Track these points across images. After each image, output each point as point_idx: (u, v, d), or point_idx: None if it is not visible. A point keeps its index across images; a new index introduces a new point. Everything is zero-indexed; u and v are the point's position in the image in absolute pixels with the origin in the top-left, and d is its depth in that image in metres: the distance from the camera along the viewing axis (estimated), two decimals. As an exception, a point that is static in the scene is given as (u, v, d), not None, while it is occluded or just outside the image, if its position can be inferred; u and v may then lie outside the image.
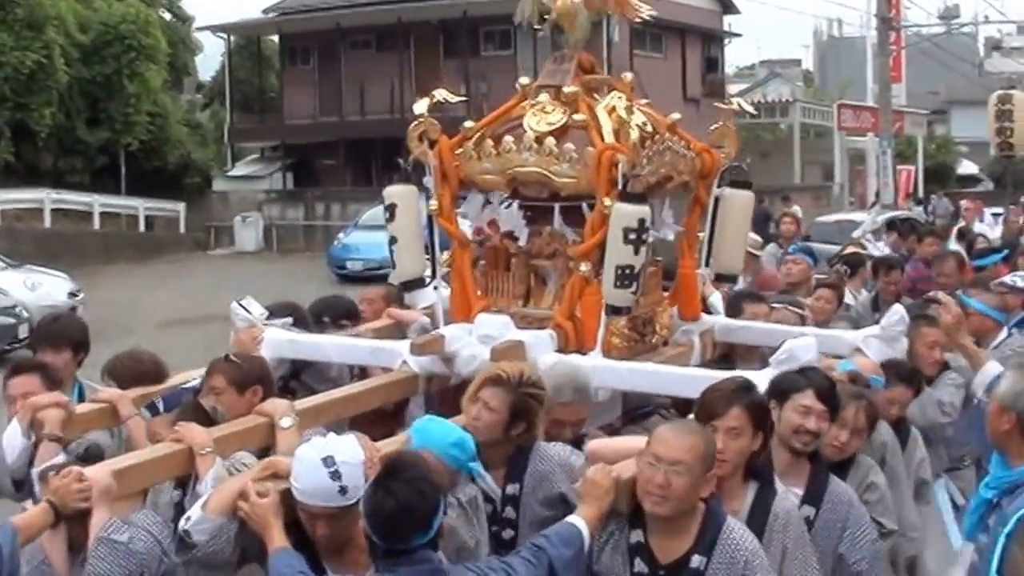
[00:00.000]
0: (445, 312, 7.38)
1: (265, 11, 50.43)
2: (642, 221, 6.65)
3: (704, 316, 7.93)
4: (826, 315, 9.69)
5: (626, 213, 6.63)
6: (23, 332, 20.34)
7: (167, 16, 49.69)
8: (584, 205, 7.00)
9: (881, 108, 38.89)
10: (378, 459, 5.10)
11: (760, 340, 7.85)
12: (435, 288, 7.51)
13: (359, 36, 46.60)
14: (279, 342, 7.24)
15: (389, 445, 5.46)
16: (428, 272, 7.55)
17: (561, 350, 6.84)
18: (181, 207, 43.26)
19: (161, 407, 6.31)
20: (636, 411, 7.08)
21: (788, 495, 5.51)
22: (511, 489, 5.74)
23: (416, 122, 7.25)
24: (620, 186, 6.69)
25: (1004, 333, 9.46)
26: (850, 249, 13.74)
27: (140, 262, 36.81)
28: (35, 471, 5.77)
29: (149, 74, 42.95)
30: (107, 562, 4.89)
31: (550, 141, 6.92)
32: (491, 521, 5.67)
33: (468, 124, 7.29)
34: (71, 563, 5.11)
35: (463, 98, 7.64)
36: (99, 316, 23.67)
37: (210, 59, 54.54)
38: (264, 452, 5.77)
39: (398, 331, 7.77)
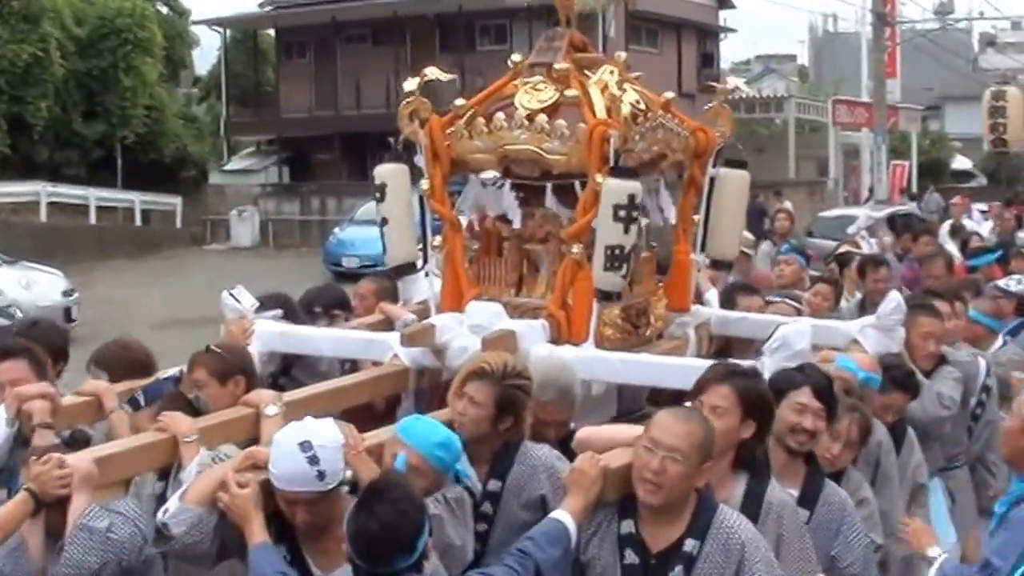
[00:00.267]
0: (437, 305, 7.34)
1: (261, 5, 50.24)
2: (632, 197, 6.59)
3: (700, 308, 7.89)
4: (823, 311, 9.53)
5: (616, 188, 6.58)
6: (18, 333, 20.10)
7: (163, 10, 49.47)
8: (577, 184, 6.93)
9: (876, 104, 38.79)
10: (363, 448, 5.12)
11: (758, 332, 7.70)
12: (426, 275, 7.47)
13: (355, 30, 46.47)
14: (269, 334, 7.18)
15: (375, 438, 5.40)
16: (420, 259, 7.50)
17: (554, 340, 6.80)
18: (178, 201, 43.02)
19: (142, 400, 6.24)
20: (630, 414, 6.98)
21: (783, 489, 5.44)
22: (493, 485, 5.62)
23: (406, 100, 7.20)
24: (611, 162, 6.63)
25: (999, 342, 9.41)
26: (843, 248, 13.58)
27: (136, 258, 36.55)
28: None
29: (145, 68, 42.65)
30: (84, 549, 4.83)
31: (541, 118, 6.86)
32: None
33: (459, 102, 7.21)
34: (48, 549, 5.00)
35: (453, 76, 7.64)
36: (94, 316, 23.42)
37: (207, 53, 54.66)
38: (250, 444, 5.64)
39: (390, 327, 7.67)
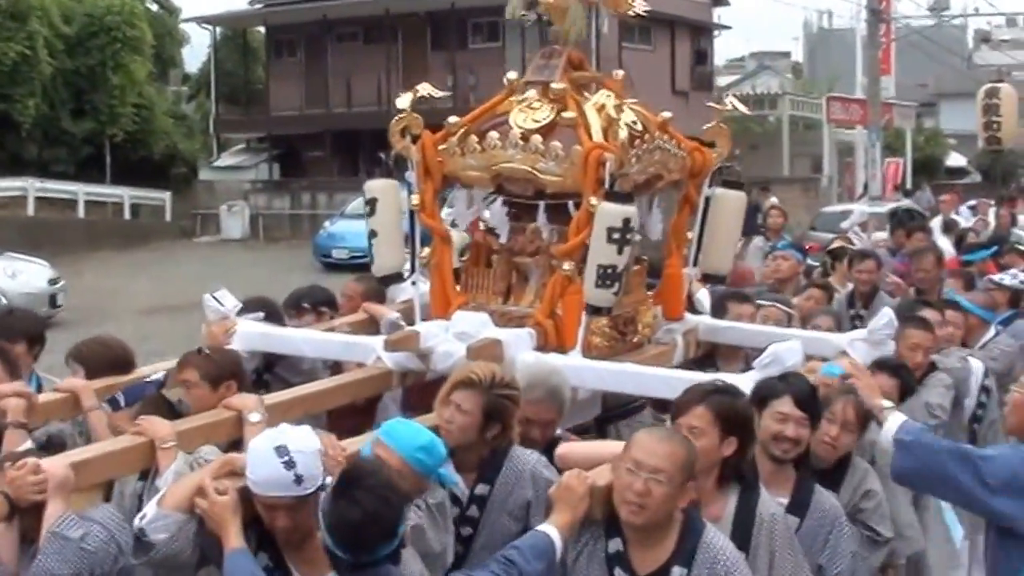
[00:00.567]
0: (423, 308, 7.29)
1: (251, 2, 50.11)
2: (627, 221, 6.56)
3: (688, 315, 7.83)
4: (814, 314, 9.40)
5: (611, 212, 6.55)
6: (2, 320, 20.22)
7: (153, 7, 49.40)
8: (570, 204, 6.91)
9: (870, 100, 38.77)
10: (343, 456, 5.07)
11: (745, 341, 7.76)
12: (412, 283, 7.42)
13: (346, 28, 46.43)
14: (251, 335, 7.18)
15: (355, 444, 5.36)
16: (408, 267, 7.45)
17: (540, 349, 6.75)
18: (167, 196, 43.10)
19: (122, 401, 6.21)
20: (624, 407, 7.06)
21: (773, 500, 5.40)
22: (480, 489, 5.62)
23: (398, 117, 7.16)
24: (607, 185, 6.61)
25: (991, 332, 9.45)
26: (837, 243, 13.57)
27: (124, 250, 36.63)
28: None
29: (134, 66, 42.69)
30: (56, 559, 4.73)
31: (536, 138, 6.83)
32: (454, 519, 5.56)
33: (452, 119, 7.18)
34: (22, 554, 4.92)
35: (447, 92, 7.46)
36: (81, 303, 23.83)
37: (197, 50, 54.45)
38: (231, 447, 5.64)
39: (374, 326, 7.71)
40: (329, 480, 4.74)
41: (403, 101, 7.17)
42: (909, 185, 43.54)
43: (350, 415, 6.78)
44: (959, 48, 68.45)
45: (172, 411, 6.04)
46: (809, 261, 13.68)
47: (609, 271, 6.61)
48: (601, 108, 7.02)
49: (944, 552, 7.33)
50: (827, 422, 5.95)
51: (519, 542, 4.86)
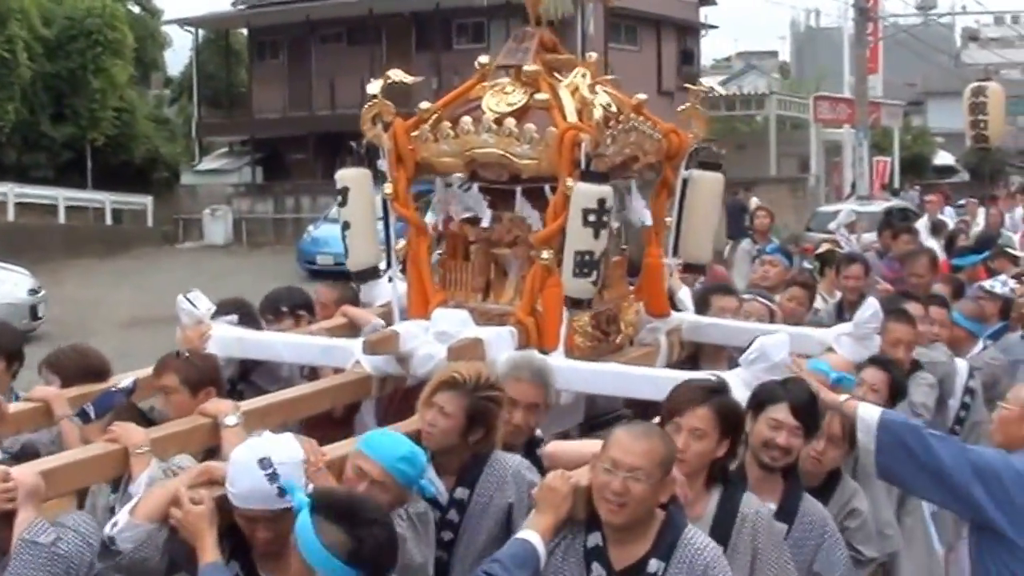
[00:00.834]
0: (402, 310, 7.22)
1: (234, 4, 50.12)
2: (602, 201, 6.49)
3: (672, 313, 7.76)
4: (797, 316, 9.33)
5: (585, 193, 6.48)
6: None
7: (135, 10, 49.36)
8: (547, 188, 6.80)
9: (857, 100, 39.24)
10: (323, 464, 5.03)
11: (730, 339, 7.66)
12: (390, 280, 7.34)
13: (329, 29, 46.32)
14: (227, 340, 7.06)
15: (336, 450, 5.27)
16: (384, 262, 7.37)
17: (523, 348, 6.62)
18: (148, 201, 42.81)
19: (92, 413, 6.00)
20: (599, 418, 6.92)
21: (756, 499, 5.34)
22: (460, 493, 5.51)
23: (369, 104, 7.08)
24: (583, 167, 6.53)
25: (979, 346, 9.30)
26: (825, 246, 13.34)
27: (106, 257, 36.35)
28: None
29: (115, 69, 42.39)
30: (29, 564, 4.64)
31: (510, 122, 6.74)
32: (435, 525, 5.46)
33: (424, 105, 7.07)
34: None
35: (418, 78, 7.43)
36: (61, 315, 23.65)
37: (179, 53, 54.47)
38: (207, 456, 5.54)
39: (352, 331, 7.52)
40: (310, 489, 4.62)
41: (374, 87, 7.11)
42: (897, 184, 43.54)
43: (326, 425, 6.62)
44: (947, 46, 68.93)
45: (144, 419, 5.95)
46: (805, 264, 13.57)
47: (587, 258, 6.54)
48: (575, 90, 6.94)
49: (924, 562, 7.22)
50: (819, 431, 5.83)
51: (500, 553, 4.75)
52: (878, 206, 29.23)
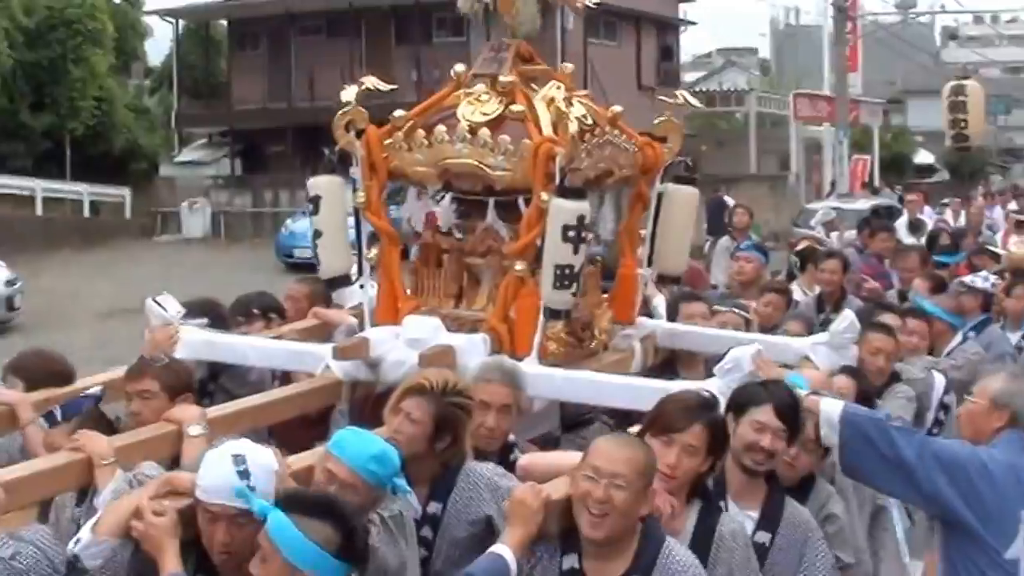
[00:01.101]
0: (372, 315, 7.12)
1: (215, -5, 50.02)
2: (581, 218, 6.43)
3: (645, 320, 7.71)
4: (773, 321, 9.28)
5: (565, 209, 6.41)
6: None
7: (116, 0, 48.99)
8: (520, 200, 6.73)
9: (837, 97, 39.20)
10: (288, 475, 4.83)
11: (705, 346, 7.61)
12: (361, 287, 7.21)
13: (309, 22, 46.23)
14: (195, 343, 6.95)
15: (302, 462, 5.13)
16: (355, 269, 7.25)
17: (495, 355, 6.52)
18: (127, 192, 42.74)
19: (59, 415, 5.94)
20: (575, 419, 6.86)
21: (737, 516, 5.30)
22: (433, 508, 5.42)
23: (343, 110, 6.98)
24: (557, 180, 6.48)
25: (958, 338, 9.30)
26: (804, 243, 13.36)
27: (83, 249, 36.23)
28: None
29: (95, 59, 42.30)
30: None
31: (484, 132, 6.68)
32: None
33: (398, 113, 6.98)
34: None
35: (394, 86, 7.37)
36: (38, 306, 23.57)
37: (160, 43, 54.18)
38: (176, 464, 5.40)
39: (324, 332, 7.52)
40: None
41: (347, 94, 6.99)
42: (877, 183, 43.61)
43: (300, 429, 6.51)
44: (927, 45, 69.06)
45: (111, 427, 5.83)
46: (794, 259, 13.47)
47: (567, 271, 6.47)
48: (551, 101, 6.86)
49: (894, 569, 7.15)
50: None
51: (472, 568, 4.66)
52: (863, 204, 29.32)
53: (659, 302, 8.06)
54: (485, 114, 6.81)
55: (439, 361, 6.21)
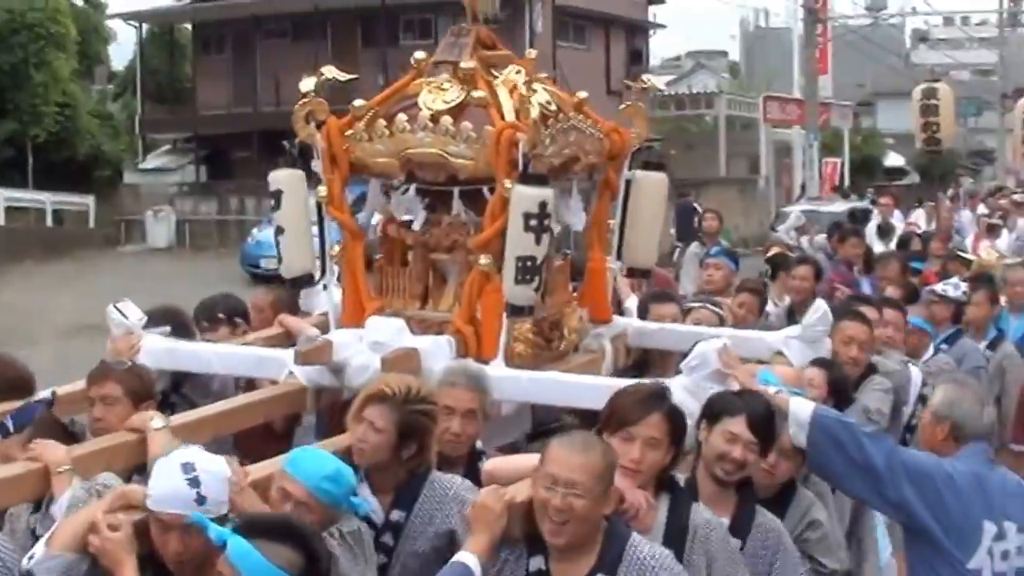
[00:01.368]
0: (338, 319, 7.08)
1: (179, -1, 50.01)
2: (543, 205, 6.37)
3: (617, 319, 7.69)
4: (747, 322, 9.18)
5: (526, 196, 6.35)
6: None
7: (78, 3, 48.70)
8: (485, 189, 6.70)
9: (807, 100, 39.39)
10: (247, 484, 4.87)
11: (677, 344, 7.41)
12: (324, 287, 7.19)
13: (275, 25, 46.15)
14: (157, 351, 6.91)
15: (261, 471, 5.09)
16: (319, 270, 7.18)
17: (461, 358, 6.52)
18: (91, 201, 42.36)
19: (11, 425, 5.77)
20: (542, 427, 6.82)
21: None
22: (396, 516, 5.36)
23: (302, 102, 6.89)
24: (521, 167, 6.41)
25: (930, 351, 9.25)
26: (774, 249, 13.43)
27: (46, 261, 35.77)
28: None
29: (58, 63, 42.11)
30: None
31: (446, 120, 6.61)
32: None
33: (358, 103, 6.88)
34: None
35: (353, 76, 7.30)
36: (1, 323, 22.93)
37: (124, 48, 54.51)
38: (138, 472, 5.40)
39: (290, 340, 7.31)
40: (229, 514, 4.55)
41: (306, 84, 6.90)
42: (847, 185, 43.74)
43: (263, 440, 6.53)
44: (897, 47, 69.47)
45: (66, 433, 5.79)
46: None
47: (528, 263, 6.39)
48: (513, 87, 6.83)
49: (873, 567, 7.17)
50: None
51: None
52: (840, 207, 29.51)
53: (632, 303, 8.13)
54: (447, 102, 6.73)
55: (402, 364, 6.13)
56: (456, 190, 6.78)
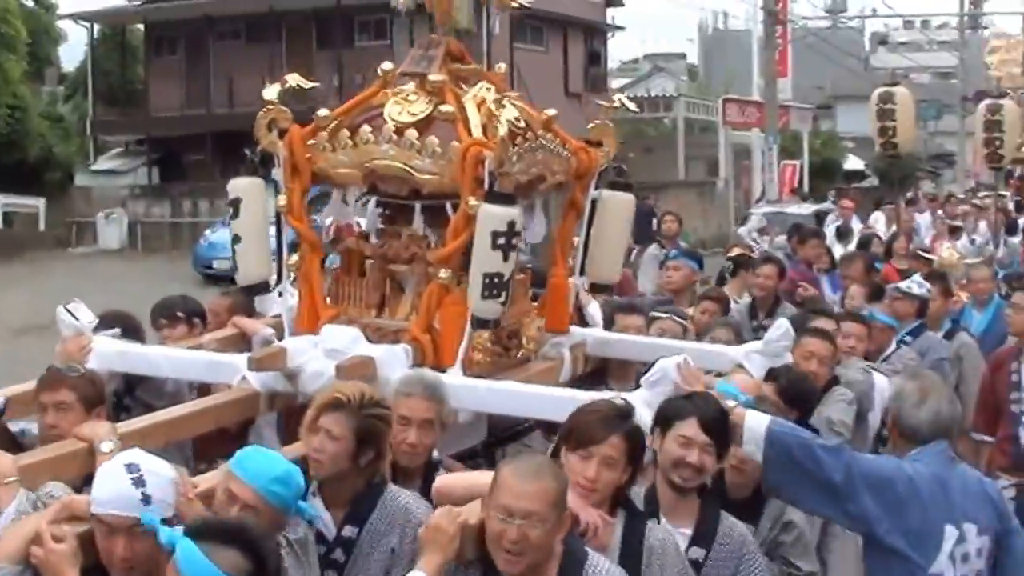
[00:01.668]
0: (291, 324, 7.04)
1: (130, -1, 49.79)
2: (511, 224, 6.37)
3: (576, 329, 7.59)
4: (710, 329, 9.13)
5: (494, 215, 6.33)
6: None
7: (28, 3, 48.59)
8: (448, 205, 6.70)
9: (766, 103, 39.49)
10: (194, 494, 4.80)
11: (637, 355, 7.49)
12: (280, 295, 7.14)
13: (228, 26, 45.83)
14: (108, 353, 6.87)
15: (208, 482, 5.04)
16: (275, 276, 7.19)
17: (417, 366, 6.43)
18: (41, 203, 42.19)
19: None
20: (513, 428, 6.91)
21: (663, 525, 5.21)
22: (348, 531, 5.29)
23: (265, 109, 6.88)
24: (487, 186, 6.38)
25: (893, 345, 9.48)
26: (736, 250, 13.48)
27: (-4, 262, 35.63)
28: None
29: (8, 65, 41.72)
30: None
31: (412, 133, 6.58)
32: (319, 562, 5.23)
33: (322, 112, 6.86)
34: None
35: (316, 84, 7.28)
36: None
37: (74, 49, 53.94)
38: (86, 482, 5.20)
39: (245, 342, 7.42)
40: (174, 517, 4.47)
41: (270, 92, 6.88)
42: (807, 188, 43.81)
43: (221, 442, 6.50)
44: (856, 50, 69.85)
45: (13, 441, 5.84)
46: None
47: (495, 280, 6.38)
48: (481, 103, 6.82)
49: (851, 566, 6.96)
50: (733, 445, 5.57)
51: None
52: (805, 209, 29.82)
53: (594, 309, 7.99)
54: (413, 114, 6.71)
55: (358, 372, 6.13)
56: (418, 205, 6.78)
